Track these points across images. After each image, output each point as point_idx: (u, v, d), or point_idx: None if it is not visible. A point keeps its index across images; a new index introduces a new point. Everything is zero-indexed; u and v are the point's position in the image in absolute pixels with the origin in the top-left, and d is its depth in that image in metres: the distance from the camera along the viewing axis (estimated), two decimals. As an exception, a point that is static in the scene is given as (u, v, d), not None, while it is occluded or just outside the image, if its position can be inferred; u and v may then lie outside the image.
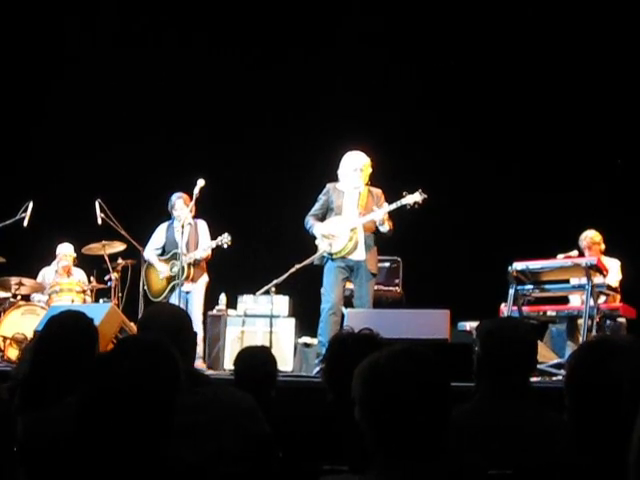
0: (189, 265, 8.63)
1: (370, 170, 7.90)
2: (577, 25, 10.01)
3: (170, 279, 8.77)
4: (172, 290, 8.72)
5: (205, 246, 8.72)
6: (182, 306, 8.33)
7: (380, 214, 7.68)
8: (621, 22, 9.89)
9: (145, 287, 8.98)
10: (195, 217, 8.89)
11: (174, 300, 8.55)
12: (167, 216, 9.01)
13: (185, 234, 8.75)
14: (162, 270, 8.85)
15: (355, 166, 7.86)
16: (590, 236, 8.62)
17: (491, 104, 10.42)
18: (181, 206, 8.79)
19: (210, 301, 9.10)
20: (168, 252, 8.89)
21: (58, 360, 2.97)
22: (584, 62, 10.06)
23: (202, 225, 8.92)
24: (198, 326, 8.43)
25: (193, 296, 8.78)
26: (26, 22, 11.08)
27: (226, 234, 8.58)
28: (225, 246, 8.59)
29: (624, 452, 1.67)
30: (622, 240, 8.77)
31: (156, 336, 2.42)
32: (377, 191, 7.92)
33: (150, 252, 9.01)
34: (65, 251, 9.73)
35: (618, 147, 10.16)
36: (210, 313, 9.12)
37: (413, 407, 2.11)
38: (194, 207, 8.69)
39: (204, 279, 8.90)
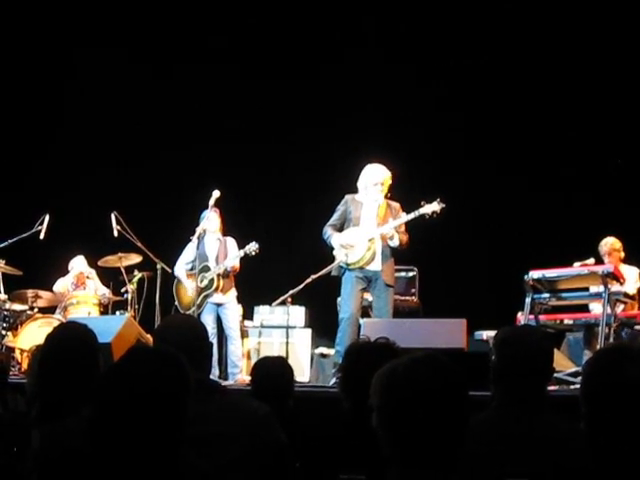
0: (218, 276, 8.62)
1: (390, 182, 7.88)
2: (578, 24, 9.99)
3: (200, 291, 8.63)
4: (202, 303, 8.64)
5: (233, 255, 8.69)
6: (213, 319, 8.61)
7: (398, 223, 7.67)
8: (621, 22, 9.86)
9: (176, 302, 8.96)
10: (224, 235, 8.93)
11: (205, 312, 8.62)
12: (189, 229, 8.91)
13: (214, 248, 8.82)
14: (189, 287, 8.76)
15: (376, 180, 7.81)
16: (610, 242, 8.60)
17: (512, 113, 10.39)
18: (213, 217, 8.79)
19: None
20: (198, 266, 8.66)
21: (62, 373, 2.97)
22: (604, 72, 10.03)
23: (231, 242, 8.92)
24: (238, 340, 8.66)
25: (227, 310, 8.76)
26: (41, 34, 11.15)
27: (253, 242, 8.56)
28: (253, 254, 8.55)
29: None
30: (640, 247, 8.73)
31: (164, 345, 2.41)
32: (395, 205, 7.87)
33: (180, 268, 8.95)
34: (78, 264, 9.78)
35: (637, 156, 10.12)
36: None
37: (431, 414, 2.10)
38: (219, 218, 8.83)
39: (234, 292, 8.87)
